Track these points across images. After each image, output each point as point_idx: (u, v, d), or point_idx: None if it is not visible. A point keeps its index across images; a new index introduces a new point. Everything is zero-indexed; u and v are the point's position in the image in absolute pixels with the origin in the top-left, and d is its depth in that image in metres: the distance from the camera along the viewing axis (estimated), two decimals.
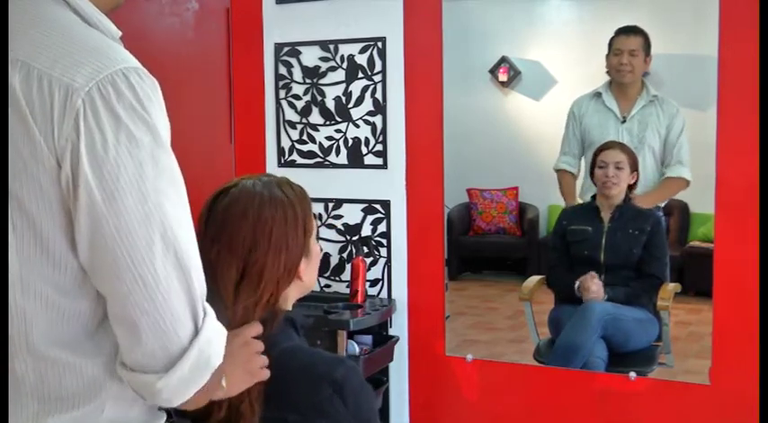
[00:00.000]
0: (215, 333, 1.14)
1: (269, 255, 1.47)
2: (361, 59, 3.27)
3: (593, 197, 3.50)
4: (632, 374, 3.01)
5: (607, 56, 3.62)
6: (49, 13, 1.13)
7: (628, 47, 3.55)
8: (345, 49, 3.29)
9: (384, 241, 3.31)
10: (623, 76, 3.58)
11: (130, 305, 1.08)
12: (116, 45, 1.15)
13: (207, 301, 1.16)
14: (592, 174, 3.49)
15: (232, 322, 1.40)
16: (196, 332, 1.11)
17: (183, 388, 1.11)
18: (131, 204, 1.06)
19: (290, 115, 3.42)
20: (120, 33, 1.20)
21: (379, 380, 3.20)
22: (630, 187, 3.43)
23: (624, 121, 3.59)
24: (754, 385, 2.76)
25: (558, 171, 3.74)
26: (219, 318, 1.19)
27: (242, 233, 1.47)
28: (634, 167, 3.42)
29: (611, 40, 3.59)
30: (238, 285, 1.46)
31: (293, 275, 1.52)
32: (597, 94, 3.66)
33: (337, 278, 3.41)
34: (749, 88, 2.72)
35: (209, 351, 1.12)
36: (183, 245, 1.10)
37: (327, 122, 3.36)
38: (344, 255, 3.39)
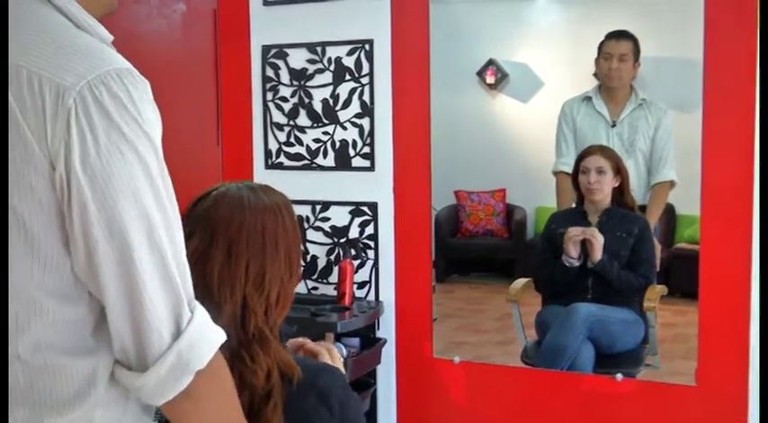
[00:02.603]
0: (200, 337, 1.13)
1: (267, 257, 1.47)
2: (349, 62, 3.28)
3: (581, 201, 3.52)
4: (619, 376, 3.03)
5: (596, 59, 3.66)
6: (38, 15, 1.13)
7: (618, 51, 3.59)
8: (333, 52, 3.30)
9: (371, 243, 3.33)
10: (612, 80, 3.63)
11: (118, 305, 1.09)
12: (107, 48, 1.15)
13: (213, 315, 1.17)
14: (575, 179, 3.52)
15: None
16: (178, 334, 1.11)
17: (161, 389, 1.11)
18: (122, 206, 1.06)
19: (278, 117, 3.43)
20: (111, 38, 1.20)
21: (367, 382, 3.23)
22: (617, 190, 3.46)
23: (614, 126, 3.63)
24: (739, 386, 2.80)
25: (556, 174, 3.74)
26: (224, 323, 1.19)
27: (230, 236, 1.46)
28: (617, 171, 3.45)
29: (602, 43, 3.63)
30: (244, 289, 1.45)
31: (296, 275, 1.53)
32: (587, 98, 3.69)
33: (325, 280, 3.42)
34: (734, 91, 2.75)
35: (189, 355, 1.11)
36: (170, 248, 1.10)
37: (315, 125, 3.37)
38: (332, 257, 3.40)
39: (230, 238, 1.46)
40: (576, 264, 3.38)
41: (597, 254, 3.33)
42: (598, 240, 3.33)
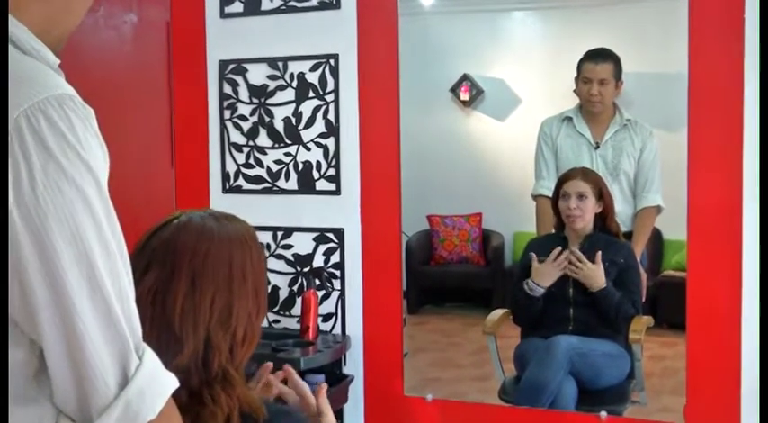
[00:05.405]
0: (150, 385, 1.12)
1: (234, 292, 1.48)
2: (312, 78, 3.32)
3: (562, 227, 3.54)
4: (603, 414, 3.05)
5: (576, 79, 3.69)
6: None
7: (597, 76, 3.62)
8: (295, 67, 3.34)
9: (337, 273, 3.35)
10: (594, 105, 3.67)
11: (58, 353, 1.07)
12: (51, 72, 1.14)
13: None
14: (555, 204, 3.54)
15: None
16: (125, 383, 1.10)
17: None
18: (59, 246, 1.05)
19: (236, 137, 3.45)
20: (58, 61, 1.19)
21: None
22: (599, 215, 3.47)
23: (597, 147, 3.66)
24: (731, 422, 2.83)
25: (536, 197, 3.77)
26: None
27: (194, 267, 1.46)
28: (600, 195, 3.47)
29: (580, 64, 3.66)
30: (208, 325, 1.45)
31: (263, 310, 1.54)
32: (568, 119, 3.72)
33: (287, 313, 3.43)
34: (720, 106, 2.82)
35: (138, 404, 1.10)
36: (114, 290, 1.09)
37: (276, 145, 3.40)
38: (295, 287, 3.42)
39: (194, 269, 1.46)
40: (540, 292, 3.39)
41: (593, 285, 3.35)
42: (585, 275, 3.35)
